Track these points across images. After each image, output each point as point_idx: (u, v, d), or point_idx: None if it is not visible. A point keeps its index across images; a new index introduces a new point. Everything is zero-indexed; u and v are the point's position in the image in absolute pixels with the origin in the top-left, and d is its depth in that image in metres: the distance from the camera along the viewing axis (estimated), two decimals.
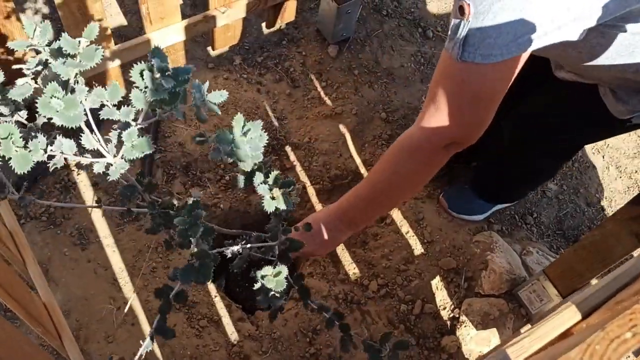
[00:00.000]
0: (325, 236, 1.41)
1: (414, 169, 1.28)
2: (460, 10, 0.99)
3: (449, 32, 1.05)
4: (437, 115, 1.15)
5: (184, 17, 1.99)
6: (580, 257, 1.53)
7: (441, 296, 1.88)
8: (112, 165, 0.82)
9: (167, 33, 1.92)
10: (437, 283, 1.90)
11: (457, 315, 1.85)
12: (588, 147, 2.31)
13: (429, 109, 1.17)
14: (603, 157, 2.31)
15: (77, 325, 1.70)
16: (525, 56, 1.07)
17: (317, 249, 1.43)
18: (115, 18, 2.25)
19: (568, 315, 0.64)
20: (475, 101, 1.13)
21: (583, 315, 0.62)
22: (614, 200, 2.22)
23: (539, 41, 1.02)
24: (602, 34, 1.13)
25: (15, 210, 1.84)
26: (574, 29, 1.05)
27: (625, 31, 1.12)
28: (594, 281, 1.60)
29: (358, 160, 2.13)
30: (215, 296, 1.83)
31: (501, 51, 1.02)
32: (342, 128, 2.19)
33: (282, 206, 0.90)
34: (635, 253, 1.48)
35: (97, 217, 1.88)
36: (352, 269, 1.94)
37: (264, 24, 2.38)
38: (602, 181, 2.25)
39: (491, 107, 1.14)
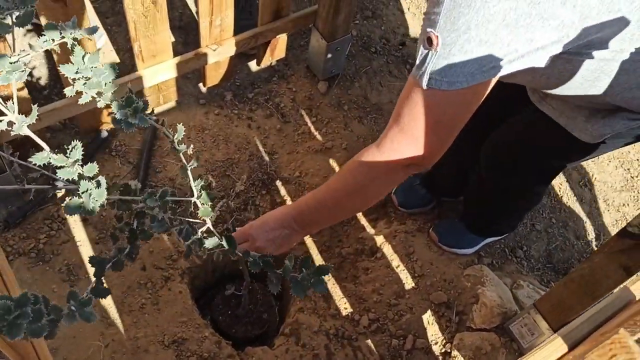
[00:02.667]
0: (279, 233, 1.43)
1: (371, 184, 1.32)
2: (429, 41, 1.03)
3: (417, 60, 1.08)
4: (399, 137, 1.19)
5: (175, 54, 2.02)
6: (570, 290, 1.54)
7: (433, 331, 1.87)
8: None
9: (159, 70, 1.95)
10: (428, 317, 1.89)
11: (449, 350, 1.84)
12: (575, 181, 2.34)
13: (392, 129, 1.20)
14: (591, 190, 2.33)
15: None
16: (493, 81, 1.10)
17: (269, 246, 1.44)
18: (108, 55, 2.28)
19: (554, 347, 0.64)
20: (438, 126, 1.16)
21: (569, 347, 0.63)
22: (602, 233, 2.23)
23: (504, 69, 1.05)
24: (568, 60, 1.16)
25: (4, 247, 1.83)
26: (539, 56, 1.08)
27: (592, 57, 1.15)
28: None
29: None
30: (205, 333, 1.81)
31: (466, 79, 1.05)
32: (332, 162, 2.21)
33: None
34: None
35: (87, 253, 1.87)
36: (343, 303, 1.93)
37: (254, 61, 2.42)
38: (590, 214, 2.27)
39: (453, 132, 1.18)
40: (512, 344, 1.82)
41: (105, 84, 0.94)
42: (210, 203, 1.08)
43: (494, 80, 1.09)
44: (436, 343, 1.86)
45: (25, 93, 1.80)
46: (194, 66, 2.06)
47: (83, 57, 0.92)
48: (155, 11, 1.77)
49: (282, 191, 2.15)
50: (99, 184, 0.85)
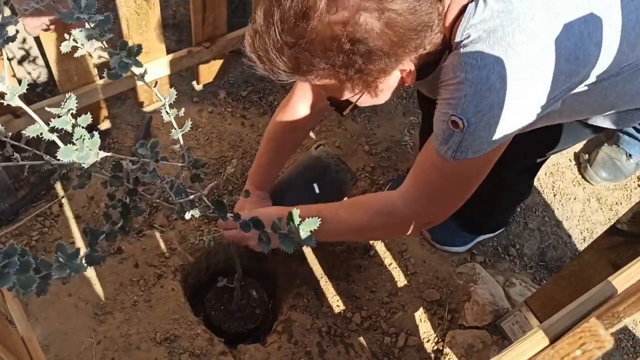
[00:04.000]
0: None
1: (381, 232, 1.49)
2: (454, 124, 1.11)
3: (440, 137, 1.17)
4: (421, 201, 1.31)
5: (169, 52, 2.02)
6: (561, 287, 1.54)
7: (425, 328, 1.88)
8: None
9: (152, 67, 1.95)
10: (420, 315, 1.89)
11: (441, 348, 1.84)
12: (569, 179, 2.34)
13: (413, 192, 1.32)
14: (584, 189, 2.33)
15: None
16: None
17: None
18: (101, 53, 2.28)
19: (536, 340, 0.64)
20: (462, 189, 1.29)
21: (551, 340, 0.63)
22: (595, 231, 2.24)
23: (526, 126, 1.15)
24: (577, 94, 1.22)
25: None
26: (555, 105, 1.17)
27: (595, 82, 1.22)
28: None
29: None
30: (197, 330, 1.81)
31: (490, 145, 1.15)
32: None
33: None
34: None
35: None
36: (335, 301, 1.94)
37: None
38: (583, 213, 2.27)
39: (472, 190, 1.30)
40: (504, 342, 1.82)
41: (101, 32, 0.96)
42: (200, 169, 1.09)
43: None
44: (428, 340, 1.86)
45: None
46: (187, 64, 2.06)
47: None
48: (148, 8, 1.78)
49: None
50: (92, 135, 0.86)
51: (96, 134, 0.90)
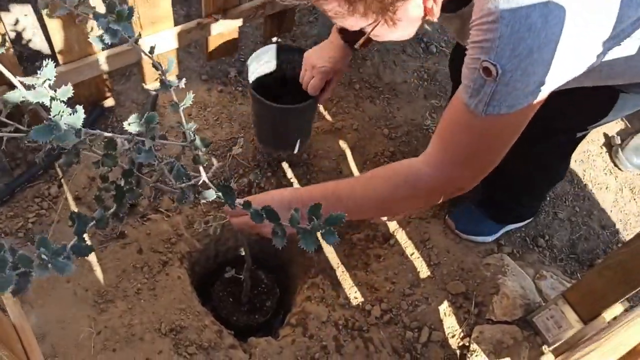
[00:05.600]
0: (285, 215, 1.31)
1: (406, 203, 1.28)
2: (486, 71, 0.97)
3: (470, 88, 1.02)
4: (450, 164, 1.15)
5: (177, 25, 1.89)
6: (605, 278, 1.40)
7: (450, 323, 1.74)
8: None
9: (159, 39, 1.81)
10: (445, 309, 1.76)
11: (468, 344, 1.71)
12: (600, 168, 2.21)
13: (440, 155, 1.16)
14: (616, 177, 2.20)
15: (52, 351, 1.54)
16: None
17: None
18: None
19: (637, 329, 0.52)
20: (493, 149, 1.13)
21: None
22: (629, 222, 2.10)
23: (565, 78, 1.01)
24: (621, 50, 1.09)
25: None
26: (596, 57, 1.04)
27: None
28: (618, 305, 1.47)
29: None
30: (205, 322, 1.68)
31: (527, 99, 1.00)
32: (343, 144, 2.08)
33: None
34: None
35: None
36: (353, 292, 1.80)
37: (260, 36, 2.29)
38: (616, 203, 2.13)
39: (505, 151, 1.14)
40: (535, 338, 1.69)
41: None
42: (204, 149, 0.95)
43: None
44: (453, 336, 1.73)
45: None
46: (196, 37, 1.92)
47: None
48: None
49: (289, 174, 2.01)
50: (75, 111, 0.71)
51: (80, 108, 0.75)
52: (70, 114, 0.70)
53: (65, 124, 0.69)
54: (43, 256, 0.65)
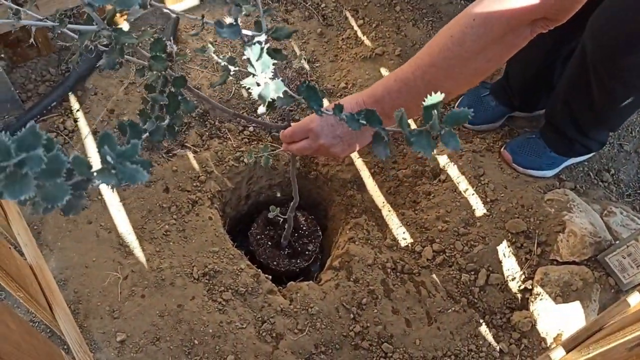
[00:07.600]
0: (348, 128, 1.03)
1: (483, 52, 0.97)
2: None
3: None
4: None
5: None
6: None
7: (509, 264, 1.57)
8: None
9: None
10: (504, 249, 1.58)
11: (530, 287, 1.54)
12: None
13: None
14: None
15: (76, 298, 1.40)
16: None
17: (336, 144, 1.11)
18: None
19: None
20: None
21: None
22: None
23: None
24: None
25: None
26: None
27: None
28: None
29: None
30: (241, 265, 1.52)
31: None
32: (384, 71, 1.88)
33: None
34: None
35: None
36: (401, 233, 1.63)
37: None
38: None
39: None
40: (607, 279, 1.52)
41: None
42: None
43: None
44: (514, 279, 1.56)
45: None
46: None
47: None
48: None
49: (325, 104, 1.82)
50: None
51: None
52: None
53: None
54: (108, 157, 0.45)
